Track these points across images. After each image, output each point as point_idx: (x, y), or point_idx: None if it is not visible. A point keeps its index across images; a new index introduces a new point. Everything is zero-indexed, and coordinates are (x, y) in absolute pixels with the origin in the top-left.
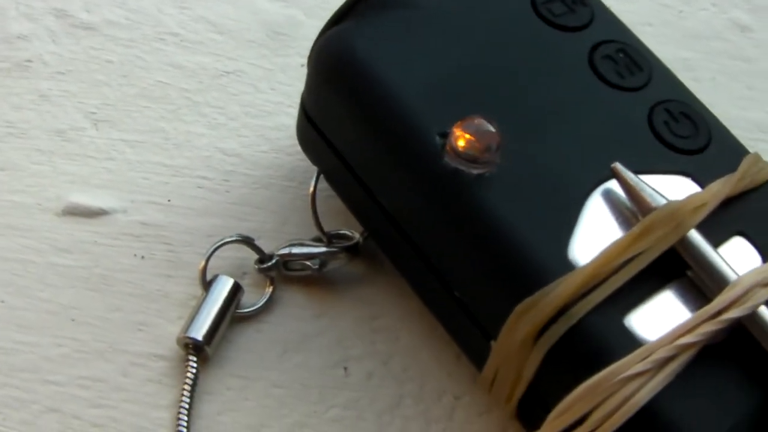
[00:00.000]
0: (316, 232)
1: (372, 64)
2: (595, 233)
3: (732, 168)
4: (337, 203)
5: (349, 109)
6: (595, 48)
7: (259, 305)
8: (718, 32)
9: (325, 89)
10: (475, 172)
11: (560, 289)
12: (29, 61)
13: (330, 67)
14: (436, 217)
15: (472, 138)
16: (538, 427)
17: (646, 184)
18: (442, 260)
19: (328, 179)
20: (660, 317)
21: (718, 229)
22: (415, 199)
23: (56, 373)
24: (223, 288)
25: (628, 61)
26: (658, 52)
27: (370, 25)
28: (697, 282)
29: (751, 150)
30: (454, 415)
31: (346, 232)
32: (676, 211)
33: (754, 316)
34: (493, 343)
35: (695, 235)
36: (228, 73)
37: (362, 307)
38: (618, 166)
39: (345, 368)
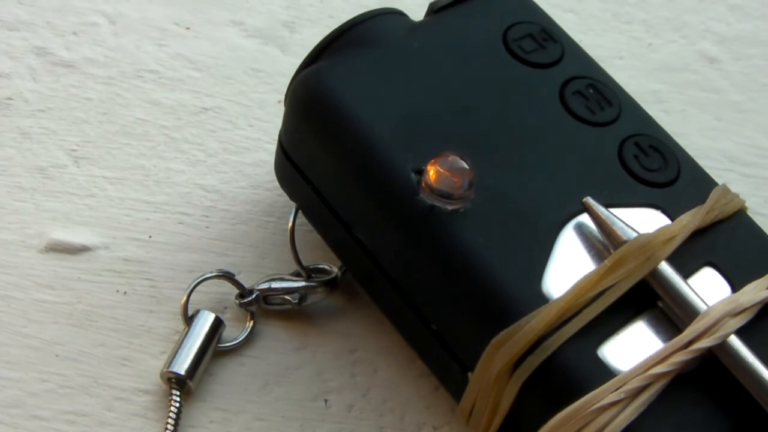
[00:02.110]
0: (295, 267)
1: (346, 103)
2: (568, 266)
3: (701, 200)
4: (316, 237)
5: (324, 146)
6: (565, 84)
7: (241, 339)
8: (687, 64)
9: (302, 127)
10: (450, 208)
11: (535, 322)
12: (10, 98)
13: (305, 106)
14: (412, 252)
15: (447, 174)
16: None
17: (617, 217)
18: (419, 294)
19: (306, 214)
20: (633, 348)
21: (688, 260)
22: (392, 235)
23: (42, 408)
24: (204, 323)
25: (598, 97)
26: (629, 85)
27: (343, 64)
28: (669, 313)
29: (720, 181)
30: None
31: (325, 267)
32: (646, 244)
33: (724, 346)
34: (470, 374)
35: (666, 268)
36: (206, 109)
37: (341, 340)
38: (589, 200)
39: (326, 400)
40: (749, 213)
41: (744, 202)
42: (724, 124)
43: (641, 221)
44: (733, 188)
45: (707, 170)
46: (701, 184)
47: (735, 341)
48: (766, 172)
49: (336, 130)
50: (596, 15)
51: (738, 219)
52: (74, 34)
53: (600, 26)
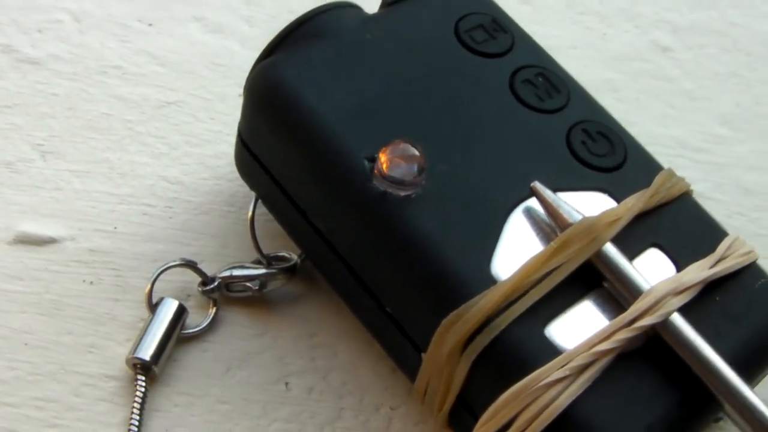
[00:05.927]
0: (255, 255)
1: (301, 93)
2: (516, 249)
3: (647, 184)
4: (275, 226)
5: (281, 136)
6: (515, 73)
7: (204, 326)
8: (640, 53)
9: (259, 118)
10: (402, 193)
11: (483, 302)
12: None
13: (262, 97)
14: (366, 237)
15: (398, 161)
16: None
17: (563, 201)
18: (373, 278)
19: (266, 203)
20: (578, 326)
21: (634, 241)
22: (346, 221)
23: (11, 395)
24: (168, 310)
25: (547, 85)
26: (583, 74)
27: (299, 56)
28: (613, 292)
29: (672, 166)
30: (392, 426)
31: (284, 254)
32: (591, 226)
33: (667, 323)
34: (423, 355)
35: (610, 248)
36: (169, 103)
37: (301, 325)
38: (537, 184)
39: (286, 384)
40: (700, 198)
41: (689, 185)
42: (676, 111)
43: (588, 205)
44: (685, 174)
45: (659, 156)
46: (648, 168)
47: (677, 319)
48: (716, 157)
49: (291, 120)
50: (551, 6)
51: (683, 201)
52: (39, 31)
53: (555, 17)
